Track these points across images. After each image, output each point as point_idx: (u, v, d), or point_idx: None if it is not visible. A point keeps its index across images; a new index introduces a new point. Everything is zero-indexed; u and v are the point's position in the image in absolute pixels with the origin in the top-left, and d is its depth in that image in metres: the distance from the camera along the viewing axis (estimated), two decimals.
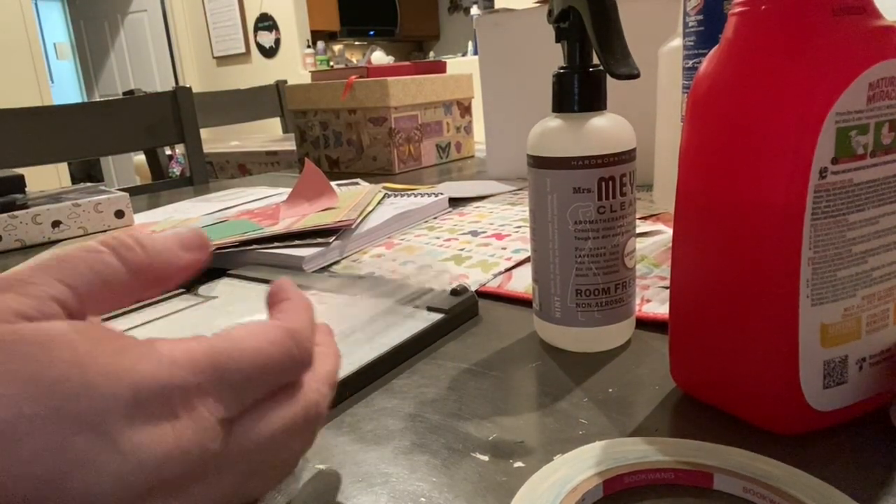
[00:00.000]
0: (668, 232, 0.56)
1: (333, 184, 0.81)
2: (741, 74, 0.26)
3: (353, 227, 0.60)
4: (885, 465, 0.25)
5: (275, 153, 1.78)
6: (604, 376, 0.33)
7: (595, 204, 0.34)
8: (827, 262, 0.25)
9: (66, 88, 5.07)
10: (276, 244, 0.56)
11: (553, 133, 0.34)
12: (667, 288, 0.43)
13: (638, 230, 0.57)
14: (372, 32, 5.30)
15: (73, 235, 0.74)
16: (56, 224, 0.73)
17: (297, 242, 0.56)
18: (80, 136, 1.21)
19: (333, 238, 0.57)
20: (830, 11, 0.24)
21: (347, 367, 0.34)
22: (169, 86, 2.01)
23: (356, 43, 5.36)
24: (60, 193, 0.81)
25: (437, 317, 0.40)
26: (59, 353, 0.17)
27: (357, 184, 0.93)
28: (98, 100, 2.77)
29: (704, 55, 0.39)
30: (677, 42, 0.53)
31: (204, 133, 1.43)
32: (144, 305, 0.46)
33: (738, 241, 0.26)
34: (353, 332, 0.39)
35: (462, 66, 3.59)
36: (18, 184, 0.75)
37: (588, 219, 0.34)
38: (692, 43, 0.47)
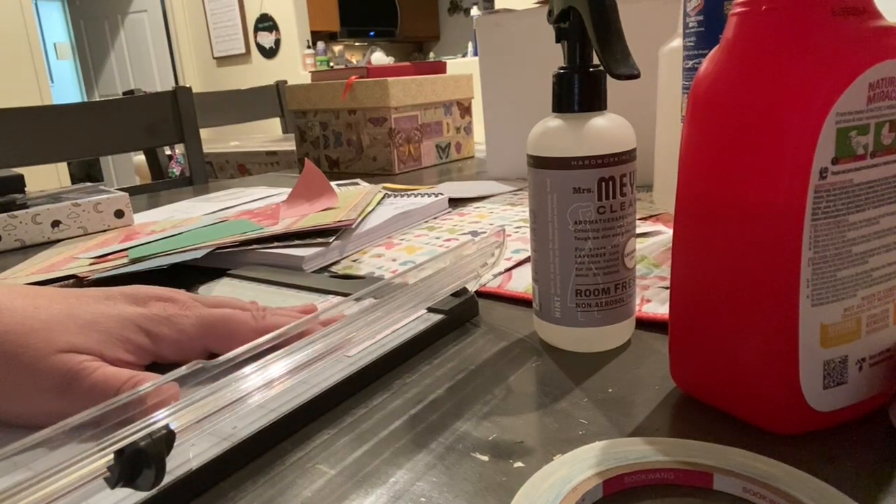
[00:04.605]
0: (668, 232, 0.56)
1: (333, 184, 0.81)
2: (741, 75, 0.26)
3: (353, 226, 0.60)
4: (884, 465, 0.25)
5: (274, 153, 1.78)
6: (604, 376, 0.33)
7: (595, 204, 0.34)
8: (827, 263, 0.25)
9: (66, 88, 5.08)
10: (276, 244, 0.56)
11: (553, 133, 0.34)
12: (667, 288, 0.43)
13: (638, 230, 0.57)
14: (372, 33, 5.31)
15: (73, 235, 0.74)
16: (56, 224, 0.73)
17: (297, 242, 0.56)
18: (80, 135, 1.21)
19: (333, 238, 0.57)
20: (830, 12, 0.24)
21: (348, 368, 0.34)
22: (169, 86, 2.01)
23: (356, 43, 5.36)
24: (60, 193, 0.81)
25: (437, 317, 0.40)
26: None
27: (357, 184, 0.93)
28: (98, 100, 2.77)
29: (704, 56, 0.39)
30: (677, 42, 0.53)
31: (204, 133, 1.43)
32: None
33: (738, 241, 0.26)
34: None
35: (462, 66, 3.60)
36: (18, 183, 0.75)
37: (588, 219, 0.34)
38: (692, 43, 0.47)
